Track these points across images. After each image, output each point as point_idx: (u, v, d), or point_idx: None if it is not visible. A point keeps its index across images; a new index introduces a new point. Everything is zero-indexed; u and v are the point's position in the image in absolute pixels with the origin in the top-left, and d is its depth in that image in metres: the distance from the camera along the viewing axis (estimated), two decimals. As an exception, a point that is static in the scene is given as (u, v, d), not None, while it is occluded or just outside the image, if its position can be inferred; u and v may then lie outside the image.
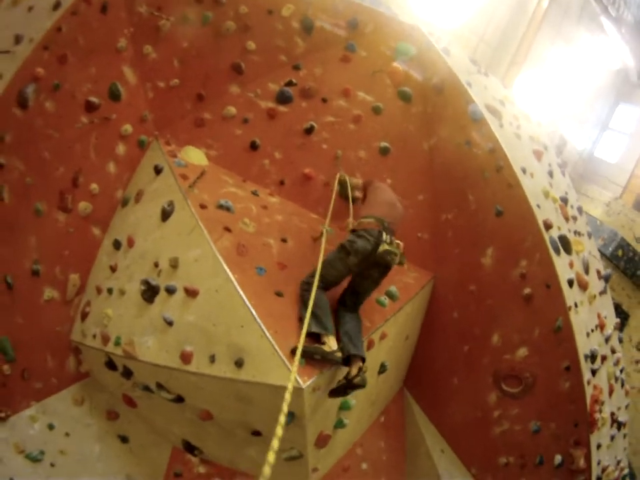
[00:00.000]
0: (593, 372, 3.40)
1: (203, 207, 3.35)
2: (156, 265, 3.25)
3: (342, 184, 3.95)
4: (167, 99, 3.84)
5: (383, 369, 3.43)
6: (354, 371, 2.59)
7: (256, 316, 2.69)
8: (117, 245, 3.58)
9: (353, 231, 2.97)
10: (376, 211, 3.03)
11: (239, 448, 3.16)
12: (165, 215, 3.37)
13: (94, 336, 3.34)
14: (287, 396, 1.58)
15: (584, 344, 3.27)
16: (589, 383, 3.30)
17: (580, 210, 4.21)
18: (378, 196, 3.26)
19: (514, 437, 3.50)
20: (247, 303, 2.75)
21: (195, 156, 3.86)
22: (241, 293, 2.79)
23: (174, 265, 3.16)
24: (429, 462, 3.80)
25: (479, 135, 3.67)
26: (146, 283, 3.21)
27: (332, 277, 2.87)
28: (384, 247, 2.79)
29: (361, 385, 2.58)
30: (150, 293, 3.19)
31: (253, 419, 2.88)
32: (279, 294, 2.99)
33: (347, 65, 4.08)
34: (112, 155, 3.64)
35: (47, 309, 3.27)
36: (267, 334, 2.63)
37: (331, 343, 2.60)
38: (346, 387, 2.59)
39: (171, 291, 3.09)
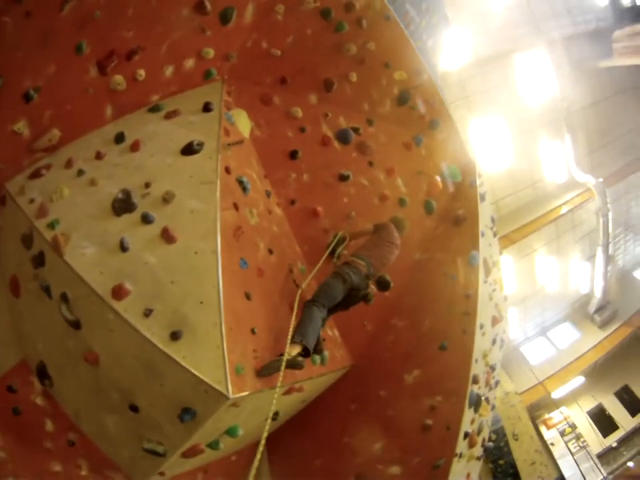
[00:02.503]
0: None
1: (227, 170, 3.20)
2: (147, 185, 2.95)
3: (337, 241, 3.98)
4: (258, 60, 3.77)
5: (275, 417, 3.31)
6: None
7: (222, 303, 2.52)
8: (119, 138, 3.22)
9: (346, 263, 3.35)
10: (368, 256, 3.41)
11: (99, 410, 2.77)
12: (189, 150, 3.14)
13: (31, 201, 2.91)
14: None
15: (449, 491, 3.47)
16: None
17: (497, 384, 4.68)
18: (379, 245, 3.58)
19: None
20: (220, 285, 2.56)
21: (244, 123, 3.73)
22: (220, 271, 2.60)
23: (167, 199, 2.90)
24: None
25: (466, 277, 4.02)
26: (126, 193, 2.89)
27: (333, 297, 3.21)
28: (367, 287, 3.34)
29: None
30: (123, 206, 2.87)
31: (143, 394, 2.56)
32: (247, 295, 2.86)
33: (405, 151, 4.34)
34: (177, 62, 3.41)
35: (7, 138, 2.89)
36: (223, 326, 2.45)
37: (293, 350, 2.70)
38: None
39: (147, 220, 2.80)
